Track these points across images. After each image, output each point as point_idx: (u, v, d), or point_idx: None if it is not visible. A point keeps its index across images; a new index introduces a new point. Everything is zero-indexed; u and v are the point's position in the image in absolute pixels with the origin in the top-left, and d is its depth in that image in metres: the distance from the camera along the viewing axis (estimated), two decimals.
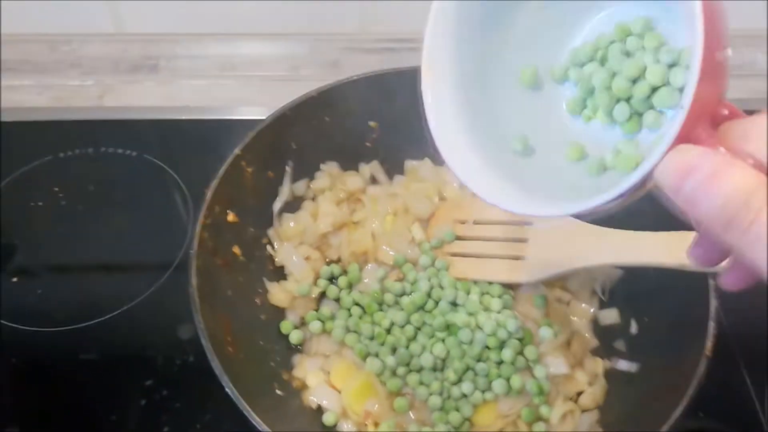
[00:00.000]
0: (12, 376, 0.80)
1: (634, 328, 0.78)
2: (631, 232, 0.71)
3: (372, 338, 0.77)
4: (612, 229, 0.72)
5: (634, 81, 0.43)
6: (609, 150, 0.46)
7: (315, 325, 0.79)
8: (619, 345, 0.78)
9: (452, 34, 0.49)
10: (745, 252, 0.34)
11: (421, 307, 0.79)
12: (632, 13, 0.45)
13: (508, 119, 0.51)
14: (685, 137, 0.36)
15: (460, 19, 0.49)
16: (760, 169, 0.35)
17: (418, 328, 0.77)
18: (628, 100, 0.44)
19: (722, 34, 0.37)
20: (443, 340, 0.76)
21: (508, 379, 0.73)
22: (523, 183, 0.48)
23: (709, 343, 0.65)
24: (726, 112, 0.40)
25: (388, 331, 0.78)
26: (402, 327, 0.77)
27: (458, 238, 0.85)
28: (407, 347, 0.75)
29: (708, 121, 0.38)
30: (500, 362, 0.74)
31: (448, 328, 0.77)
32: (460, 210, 0.87)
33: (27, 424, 0.75)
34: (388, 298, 0.80)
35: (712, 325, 0.66)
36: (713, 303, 0.67)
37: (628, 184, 0.38)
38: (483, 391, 0.72)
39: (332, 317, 0.81)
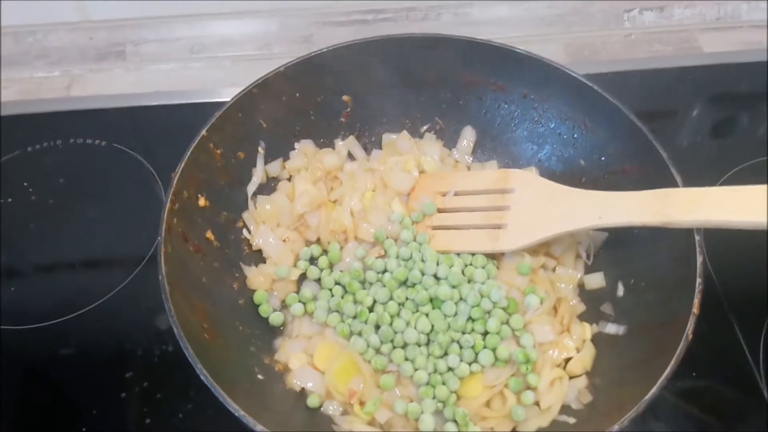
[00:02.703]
0: None
1: (621, 290, 0.77)
2: (613, 192, 0.69)
3: (354, 317, 0.75)
4: (593, 191, 0.71)
5: None
6: None
7: (296, 308, 0.77)
8: (606, 308, 0.77)
9: None
10: None
11: (403, 283, 0.77)
12: None
13: None
14: None
15: None
16: None
17: (401, 304, 0.76)
18: None
19: None
20: (427, 315, 0.74)
21: (494, 350, 0.71)
22: None
23: (696, 300, 0.63)
24: None
25: (371, 309, 0.76)
26: (384, 304, 0.76)
27: (439, 210, 0.83)
28: (391, 324, 0.74)
29: None
30: (485, 333, 0.73)
31: (432, 301, 0.75)
32: (440, 181, 0.85)
33: (7, 421, 0.73)
34: (371, 276, 0.78)
35: (699, 282, 0.64)
36: (699, 259, 0.66)
37: None
38: (470, 363, 0.71)
39: (314, 299, 0.79)
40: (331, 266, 0.82)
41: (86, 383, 0.77)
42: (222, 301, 0.75)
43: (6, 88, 1.11)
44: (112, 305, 0.82)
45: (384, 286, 0.77)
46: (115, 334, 0.81)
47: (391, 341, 0.73)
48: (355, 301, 0.77)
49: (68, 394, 0.76)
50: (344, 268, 0.81)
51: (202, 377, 0.58)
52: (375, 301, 0.76)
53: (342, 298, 0.78)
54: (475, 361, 0.71)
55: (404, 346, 0.73)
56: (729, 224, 0.59)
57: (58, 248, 0.89)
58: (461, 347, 0.72)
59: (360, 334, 0.74)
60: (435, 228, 0.82)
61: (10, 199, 0.94)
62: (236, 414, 0.57)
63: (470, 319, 0.74)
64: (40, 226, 0.91)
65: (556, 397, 0.68)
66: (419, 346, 0.73)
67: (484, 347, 0.71)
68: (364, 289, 0.78)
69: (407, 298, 0.76)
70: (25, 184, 0.95)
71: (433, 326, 0.73)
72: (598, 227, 0.70)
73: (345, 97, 0.90)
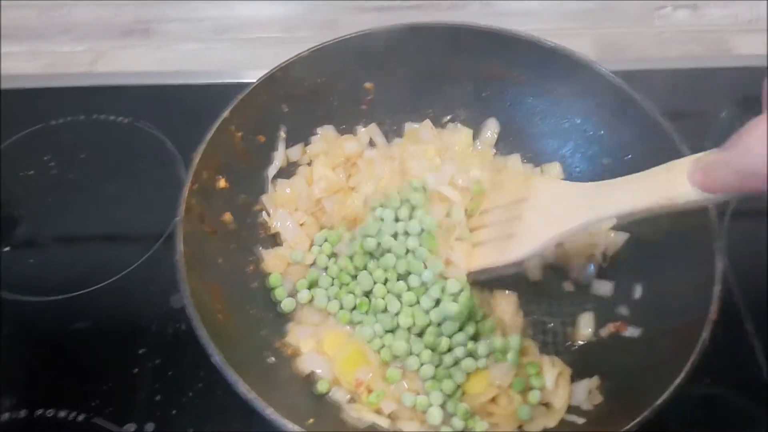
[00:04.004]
0: (5, 345, 0.79)
1: (637, 292, 0.76)
2: (607, 181, 0.64)
3: (354, 308, 0.75)
4: (597, 183, 0.66)
5: None
6: None
7: (303, 294, 0.77)
8: (623, 310, 0.76)
9: None
10: None
11: (372, 254, 0.77)
12: None
13: None
14: None
15: None
16: None
17: (384, 283, 0.75)
18: None
19: None
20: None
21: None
22: None
23: (714, 307, 0.62)
24: None
25: (367, 296, 0.76)
26: (370, 291, 0.75)
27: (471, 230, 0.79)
28: (385, 309, 0.74)
29: None
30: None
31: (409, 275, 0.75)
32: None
33: (20, 393, 0.74)
34: (372, 266, 0.77)
35: (718, 288, 0.64)
36: (719, 265, 0.65)
37: None
38: (477, 359, 0.70)
39: (316, 284, 0.78)
40: (333, 253, 0.80)
41: (99, 357, 0.78)
42: (236, 283, 0.75)
43: (30, 61, 1.12)
44: (128, 281, 0.83)
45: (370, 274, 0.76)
46: (130, 311, 0.81)
47: (392, 331, 0.73)
48: (350, 292, 0.76)
49: (81, 367, 0.78)
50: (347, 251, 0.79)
51: (214, 359, 0.59)
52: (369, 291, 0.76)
53: (340, 288, 0.77)
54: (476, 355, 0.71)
55: (395, 329, 0.73)
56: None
57: (76, 223, 0.90)
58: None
59: (361, 323, 0.74)
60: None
61: (31, 172, 0.95)
62: (247, 396, 0.57)
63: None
64: (60, 200, 0.92)
65: (563, 397, 0.68)
66: (416, 335, 0.73)
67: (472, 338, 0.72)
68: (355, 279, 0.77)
69: (387, 279, 0.75)
70: (47, 157, 0.96)
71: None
72: (605, 218, 0.63)
73: (368, 85, 0.89)
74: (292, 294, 0.78)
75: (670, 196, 0.55)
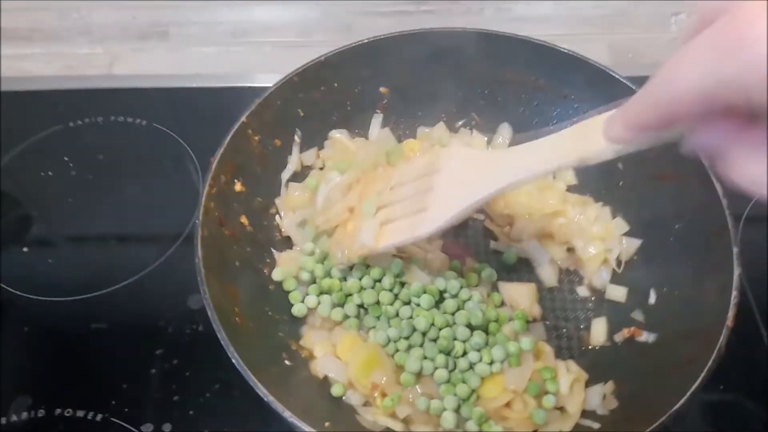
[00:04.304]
0: (24, 345, 0.80)
1: (652, 298, 0.76)
2: (519, 146, 0.61)
3: (357, 316, 0.76)
4: (508, 149, 0.66)
5: None
6: None
7: (311, 299, 0.77)
8: (637, 315, 0.76)
9: None
10: None
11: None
12: None
13: None
14: None
15: None
16: None
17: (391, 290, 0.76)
18: None
19: None
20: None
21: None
22: None
23: (731, 314, 0.63)
24: None
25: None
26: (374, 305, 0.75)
27: (379, 209, 0.74)
28: (396, 315, 0.74)
29: None
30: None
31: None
32: (382, 178, 0.77)
33: (38, 393, 0.75)
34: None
35: (734, 295, 0.64)
36: (736, 272, 0.65)
37: None
38: (491, 363, 0.71)
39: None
40: (323, 261, 0.79)
41: (117, 358, 0.79)
42: (253, 285, 0.76)
43: (49, 63, 1.13)
44: (146, 282, 0.84)
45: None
46: (148, 311, 0.82)
47: (407, 338, 0.73)
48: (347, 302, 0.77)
49: (99, 367, 0.78)
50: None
51: (234, 361, 0.59)
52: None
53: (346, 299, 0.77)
54: (491, 361, 0.71)
55: (411, 335, 0.73)
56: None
57: (95, 223, 0.91)
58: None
59: (375, 328, 0.75)
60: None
61: (50, 173, 0.96)
62: (266, 399, 0.58)
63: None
64: (78, 201, 0.93)
65: (577, 402, 0.68)
66: (432, 341, 0.73)
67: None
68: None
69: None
70: (66, 158, 0.97)
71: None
72: (515, 183, 0.60)
73: (382, 89, 0.90)
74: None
75: (583, 156, 0.52)
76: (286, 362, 0.72)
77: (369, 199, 0.74)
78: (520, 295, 0.78)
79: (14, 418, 0.73)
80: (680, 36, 0.41)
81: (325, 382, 0.72)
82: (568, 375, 0.70)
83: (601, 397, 0.69)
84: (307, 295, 0.78)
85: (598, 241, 0.81)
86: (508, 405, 0.70)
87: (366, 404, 0.71)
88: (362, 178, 0.79)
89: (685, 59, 0.36)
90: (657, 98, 0.39)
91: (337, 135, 0.88)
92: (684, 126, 0.41)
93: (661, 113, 0.39)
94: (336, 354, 0.73)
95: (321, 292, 0.77)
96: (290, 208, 0.84)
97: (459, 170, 0.67)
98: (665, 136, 0.43)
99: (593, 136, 0.49)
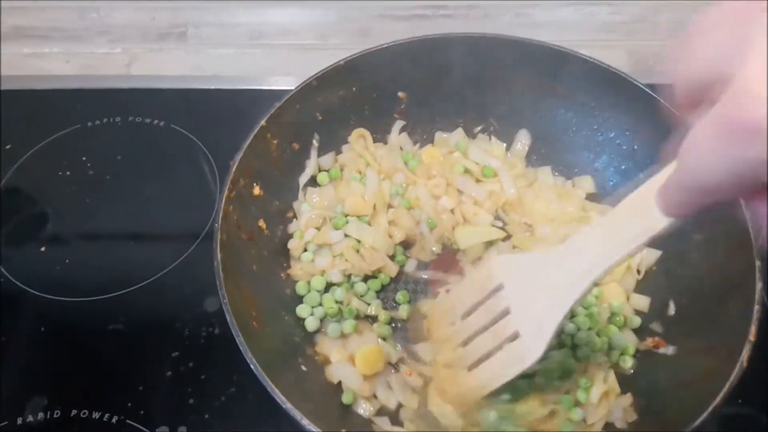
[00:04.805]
0: (40, 345, 0.80)
1: (671, 309, 0.75)
2: (583, 233, 0.58)
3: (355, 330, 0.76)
4: (566, 244, 0.58)
5: None
6: None
7: (319, 311, 0.77)
8: (656, 327, 0.76)
9: None
10: None
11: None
12: None
13: None
14: None
15: None
16: None
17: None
18: None
19: None
20: None
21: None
22: None
23: (753, 328, 0.62)
24: None
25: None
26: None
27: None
28: None
29: None
30: None
31: None
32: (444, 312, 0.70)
33: (54, 393, 0.75)
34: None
35: (756, 309, 0.63)
36: (759, 285, 0.64)
37: None
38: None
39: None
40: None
41: (134, 359, 0.79)
42: (270, 289, 0.76)
43: (68, 62, 1.14)
44: (162, 284, 0.84)
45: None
46: (164, 313, 0.82)
47: None
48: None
49: (115, 369, 0.78)
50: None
51: (252, 367, 0.59)
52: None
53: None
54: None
55: None
56: None
57: (112, 224, 0.91)
58: None
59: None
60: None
61: (68, 173, 0.96)
62: (284, 406, 0.58)
63: None
64: (95, 201, 0.93)
65: (600, 414, 0.68)
66: None
67: None
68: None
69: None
70: (84, 158, 0.97)
71: None
72: (597, 279, 0.56)
73: (401, 94, 0.90)
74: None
75: (650, 233, 0.49)
76: (302, 367, 0.72)
77: (444, 351, 0.67)
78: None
79: (30, 418, 0.73)
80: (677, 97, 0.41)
81: (340, 389, 0.72)
82: (603, 386, 0.69)
83: (620, 409, 0.69)
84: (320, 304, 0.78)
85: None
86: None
87: (377, 414, 0.71)
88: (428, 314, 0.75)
89: (703, 148, 0.36)
90: (689, 188, 0.40)
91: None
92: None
93: (698, 200, 0.41)
94: (351, 360, 0.73)
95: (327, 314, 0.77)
96: (306, 212, 0.83)
97: (527, 281, 0.61)
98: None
99: (651, 212, 0.47)
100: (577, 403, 0.70)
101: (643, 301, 0.78)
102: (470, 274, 0.76)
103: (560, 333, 0.72)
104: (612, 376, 0.72)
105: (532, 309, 0.60)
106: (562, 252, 0.58)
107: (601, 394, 0.69)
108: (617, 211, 0.53)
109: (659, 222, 0.47)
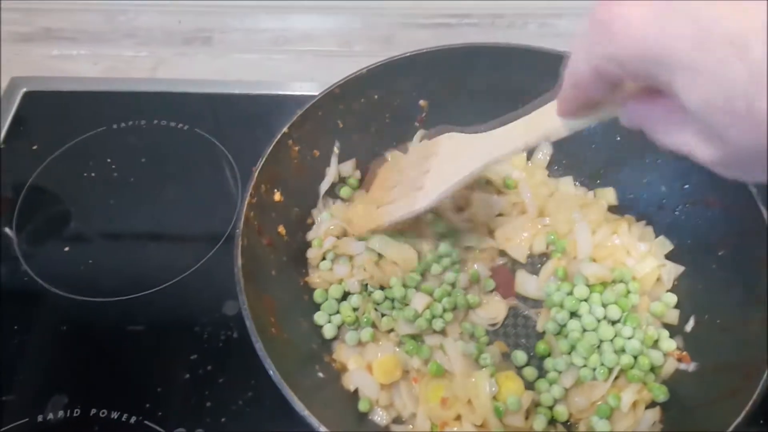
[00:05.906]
0: (61, 344, 0.81)
1: (690, 325, 0.75)
2: (500, 129, 0.68)
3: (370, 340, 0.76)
4: (489, 132, 0.69)
5: None
6: None
7: (337, 318, 0.77)
8: (676, 342, 0.75)
9: None
10: None
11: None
12: None
13: None
14: None
15: None
16: None
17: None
18: None
19: None
20: None
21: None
22: None
23: None
24: None
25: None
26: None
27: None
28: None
29: None
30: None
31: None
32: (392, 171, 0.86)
33: (74, 392, 0.76)
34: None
35: None
36: None
37: None
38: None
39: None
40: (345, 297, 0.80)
41: (153, 361, 0.79)
42: (288, 296, 0.76)
43: (95, 64, 1.15)
44: (182, 287, 0.85)
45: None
46: (184, 315, 0.83)
47: None
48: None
49: (135, 370, 0.79)
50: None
51: (270, 373, 0.60)
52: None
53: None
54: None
55: None
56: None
57: (135, 225, 0.92)
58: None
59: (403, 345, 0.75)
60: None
61: (93, 174, 0.97)
62: (302, 413, 0.58)
63: None
64: (119, 203, 0.94)
65: (628, 424, 0.68)
66: None
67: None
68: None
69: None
70: (109, 160, 0.99)
71: None
72: (495, 160, 0.68)
73: (422, 102, 0.90)
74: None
75: (545, 134, 0.60)
76: (319, 374, 0.72)
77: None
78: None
79: (50, 416, 0.74)
80: None
81: (356, 396, 0.72)
82: (636, 394, 0.70)
83: (650, 422, 0.68)
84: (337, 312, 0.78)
85: (651, 257, 0.80)
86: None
87: (394, 422, 0.71)
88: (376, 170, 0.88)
89: (575, 48, 0.44)
90: (568, 81, 0.47)
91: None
92: (607, 102, 0.49)
93: (577, 93, 0.47)
94: (369, 368, 0.73)
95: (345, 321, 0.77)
96: (324, 220, 0.84)
97: (451, 152, 0.75)
98: (602, 115, 0.52)
99: (552, 117, 0.57)
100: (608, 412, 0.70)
101: (672, 315, 0.77)
102: (414, 149, 0.86)
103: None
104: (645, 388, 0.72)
105: (441, 171, 0.75)
106: (484, 137, 0.70)
107: (633, 401, 0.69)
108: (532, 116, 0.62)
109: (557, 123, 0.56)
